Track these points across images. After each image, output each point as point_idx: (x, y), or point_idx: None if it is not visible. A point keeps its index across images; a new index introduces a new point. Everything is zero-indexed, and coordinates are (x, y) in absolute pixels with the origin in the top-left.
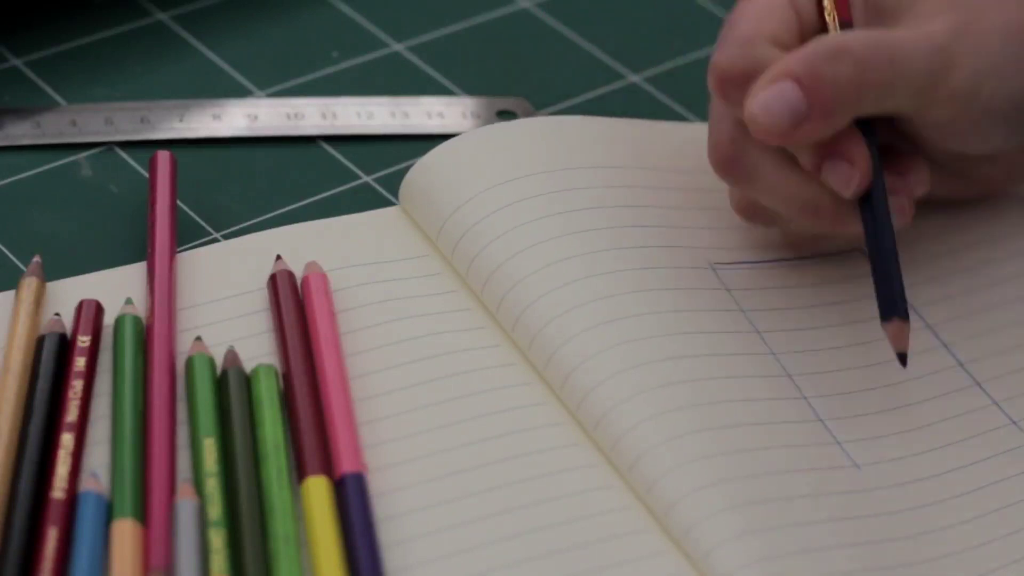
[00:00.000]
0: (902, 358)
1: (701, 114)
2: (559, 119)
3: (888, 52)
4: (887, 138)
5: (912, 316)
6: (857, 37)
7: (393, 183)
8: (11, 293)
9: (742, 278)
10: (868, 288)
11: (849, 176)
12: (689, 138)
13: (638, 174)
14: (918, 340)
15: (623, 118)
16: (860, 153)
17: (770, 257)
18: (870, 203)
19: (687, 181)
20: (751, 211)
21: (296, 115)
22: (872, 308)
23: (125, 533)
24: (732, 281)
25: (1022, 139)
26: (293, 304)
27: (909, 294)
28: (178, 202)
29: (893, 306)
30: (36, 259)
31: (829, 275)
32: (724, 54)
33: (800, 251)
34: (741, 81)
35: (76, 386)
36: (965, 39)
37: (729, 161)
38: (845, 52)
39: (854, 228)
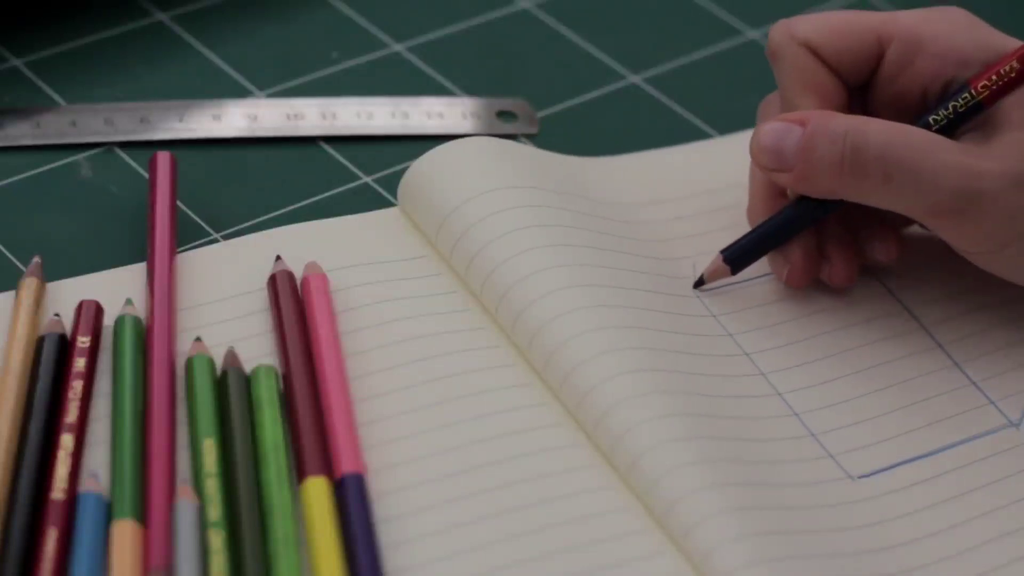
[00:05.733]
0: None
1: (700, 114)
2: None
3: (910, 159)
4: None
5: (910, 320)
6: (883, 129)
7: (393, 184)
8: (11, 293)
9: (725, 299)
10: (848, 296)
11: (780, 269)
12: (672, 165)
13: (618, 209)
14: (913, 341)
15: (619, 156)
16: (800, 253)
17: (753, 275)
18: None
19: (671, 209)
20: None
21: (296, 115)
22: (853, 314)
23: (125, 534)
24: (716, 306)
25: None
26: (293, 304)
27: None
28: (178, 202)
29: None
30: (36, 259)
31: (810, 287)
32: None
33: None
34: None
35: (76, 387)
36: None
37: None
38: (858, 135)
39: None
